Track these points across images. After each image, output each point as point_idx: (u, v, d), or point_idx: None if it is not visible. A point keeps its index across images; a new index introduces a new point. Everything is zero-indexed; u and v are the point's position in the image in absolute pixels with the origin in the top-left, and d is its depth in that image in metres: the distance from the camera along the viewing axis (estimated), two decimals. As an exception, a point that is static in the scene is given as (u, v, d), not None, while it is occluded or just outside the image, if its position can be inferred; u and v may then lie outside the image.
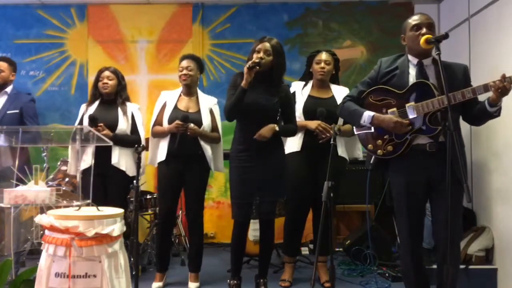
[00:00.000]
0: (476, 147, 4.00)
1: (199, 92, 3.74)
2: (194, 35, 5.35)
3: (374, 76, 2.77)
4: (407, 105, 2.61)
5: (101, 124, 3.55)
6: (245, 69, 3.10)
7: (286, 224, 3.73)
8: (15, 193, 2.76)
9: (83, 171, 3.34)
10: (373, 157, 2.74)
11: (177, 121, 3.43)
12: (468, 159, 3.97)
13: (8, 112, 4.03)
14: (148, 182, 4.83)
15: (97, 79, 3.80)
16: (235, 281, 3.34)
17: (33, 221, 2.52)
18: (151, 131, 3.68)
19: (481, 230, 3.79)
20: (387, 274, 3.81)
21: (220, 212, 5.26)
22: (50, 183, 3.94)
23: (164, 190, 3.60)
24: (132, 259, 3.06)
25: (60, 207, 2.73)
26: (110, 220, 2.28)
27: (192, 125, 3.46)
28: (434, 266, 2.94)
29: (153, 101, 3.81)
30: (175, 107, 3.60)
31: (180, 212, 4.63)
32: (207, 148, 3.58)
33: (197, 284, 3.62)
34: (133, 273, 2.86)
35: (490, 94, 2.48)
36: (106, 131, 3.55)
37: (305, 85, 3.71)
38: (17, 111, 4.08)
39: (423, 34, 2.53)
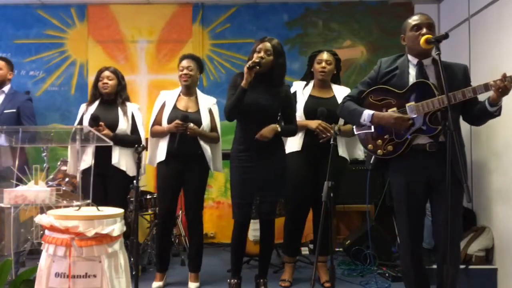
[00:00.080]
0: (476, 147, 4.00)
1: (198, 92, 3.74)
2: (194, 35, 5.35)
3: (374, 76, 2.77)
4: (407, 104, 2.61)
5: (102, 123, 3.55)
6: (245, 69, 3.10)
7: (286, 224, 3.74)
8: (15, 193, 2.76)
9: (83, 171, 3.33)
10: (373, 157, 2.74)
11: (177, 121, 3.43)
12: (468, 159, 3.97)
13: (5, 111, 4.03)
14: (148, 182, 4.83)
15: (97, 79, 3.80)
16: (236, 280, 3.34)
17: (33, 221, 2.52)
18: (150, 131, 3.68)
19: (481, 230, 3.79)
20: (387, 274, 3.81)
21: (220, 212, 5.26)
22: (50, 183, 3.94)
23: (164, 190, 3.60)
24: (132, 259, 3.07)
25: (60, 207, 2.72)
26: (110, 220, 2.28)
27: (192, 124, 3.47)
28: (434, 266, 2.94)
29: (153, 101, 3.81)
30: (174, 107, 3.60)
31: (180, 212, 4.63)
32: (206, 148, 3.58)
33: (197, 284, 3.62)
34: (133, 273, 2.87)
35: (490, 93, 2.48)
36: (107, 131, 3.55)
37: (306, 85, 3.71)
38: (14, 110, 4.07)
39: (423, 34, 2.53)
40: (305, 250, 4.61)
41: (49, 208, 2.64)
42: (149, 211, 4.33)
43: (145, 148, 3.33)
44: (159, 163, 3.59)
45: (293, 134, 3.43)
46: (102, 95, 3.80)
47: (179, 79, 3.65)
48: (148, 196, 4.22)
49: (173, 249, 4.32)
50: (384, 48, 5.17)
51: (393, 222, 4.13)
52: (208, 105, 3.70)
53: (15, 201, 2.75)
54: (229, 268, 3.61)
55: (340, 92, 3.64)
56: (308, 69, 3.76)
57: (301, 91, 3.68)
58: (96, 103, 3.79)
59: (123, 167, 3.68)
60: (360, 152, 3.78)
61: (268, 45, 3.20)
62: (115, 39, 5.35)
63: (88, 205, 2.66)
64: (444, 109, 2.44)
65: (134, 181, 3.07)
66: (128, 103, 3.84)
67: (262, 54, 3.17)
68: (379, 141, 2.69)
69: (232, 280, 3.35)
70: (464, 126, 2.77)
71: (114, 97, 3.80)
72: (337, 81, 3.78)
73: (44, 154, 4.07)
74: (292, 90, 3.59)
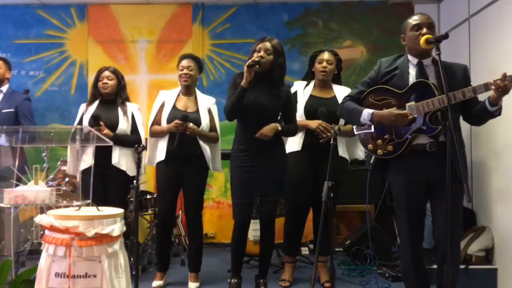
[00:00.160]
0: (476, 147, 4.00)
1: (198, 92, 3.75)
2: (194, 35, 5.35)
3: (374, 76, 2.77)
4: (407, 104, 2.61)
5: (102, 122, 3.55)
6: (245, 68, 3.10)
7: (286, 224, 3.73)
8: (15, 193, 2.76)
9: (83, 171, 3.33)
10: (373, 157, 2.74)
11: (177, 121, 3.43)
12: (468, 159, 3.97)
13: (3, 111, 4.02)
14: (148, 182, 4.83)
15: (97, 79, 3.79)
16: (236, 280, 3.34)
17: (33, 221, 2.52)
18: (149, 131, 3.68)
19: (481, 230, 3.79)
20: (387, 274, 3.81)
21: (220, 212, 5.26)
22: (50, 183, 3.94)
23: (163, 190, 3.60)
24: (132, 259, 3.07)
25: (60, 207, 2.72)
26: (110, 220, 2.28)
27: (191, 124, 3.47)
28: (434, 266, 2.94)
29: (153, 101, 3.81)
30: (174, 107, 3.60)
31: (180, 212, 4.63)
32: (206, 148, 3.59)
33: (197, 284, 3.62)
34: (133, 273, 2.86)
35: (490, 93, 2.48)
36: (107, 131, 3.55)
37: (307, 84, 3.71)
38: (12, 110, 4.06)
39: (423, 34, 2.53)
40: (305, 250, 4.61)
41: (49, 208, 2.63)
42: (149, 211, 4.33)
43: (145, 148, 3.33)
44: (159, 163, 3.59)
45: (293, 134, 3.43)
46: (102, 95, 3.80)
47: (179, 79, 3.65)
48: (148, 196, 4.22)
49: (173, 249, 4.32)
50: (384, 48, 5.16)
51: (393, 222, 4.13)
52: (207, 105, 3.70)
53: (15, 201, 2.75)
54: (229, 268, 3.61)
55: (341, 92, 3.64)
56: (309, 69, 3.76)
57: (302, 91, 3.68)
58: (96, 103, 3.79)
59: (123, 167, 3.68)
60: (360, 152, 3.78)
61: (268, 44, 3.20)
62: (115, 39, 5.36)
63: (88, 205, 2.66)
64: (444, 109, 2.44)
65: (134, 181, 3.07)
66: (128, 103, 3.84)
67: (262, 53, 3.17)
68: (379, 141, 2.69)
69: (232, 280, 3.35)
70: (464, 126, 2.76)
71: (114, 97, 3.80)
72: (338, 81, 3.78)
73: (44, 154, 4.06)
74: (293, 90, 3.59)
